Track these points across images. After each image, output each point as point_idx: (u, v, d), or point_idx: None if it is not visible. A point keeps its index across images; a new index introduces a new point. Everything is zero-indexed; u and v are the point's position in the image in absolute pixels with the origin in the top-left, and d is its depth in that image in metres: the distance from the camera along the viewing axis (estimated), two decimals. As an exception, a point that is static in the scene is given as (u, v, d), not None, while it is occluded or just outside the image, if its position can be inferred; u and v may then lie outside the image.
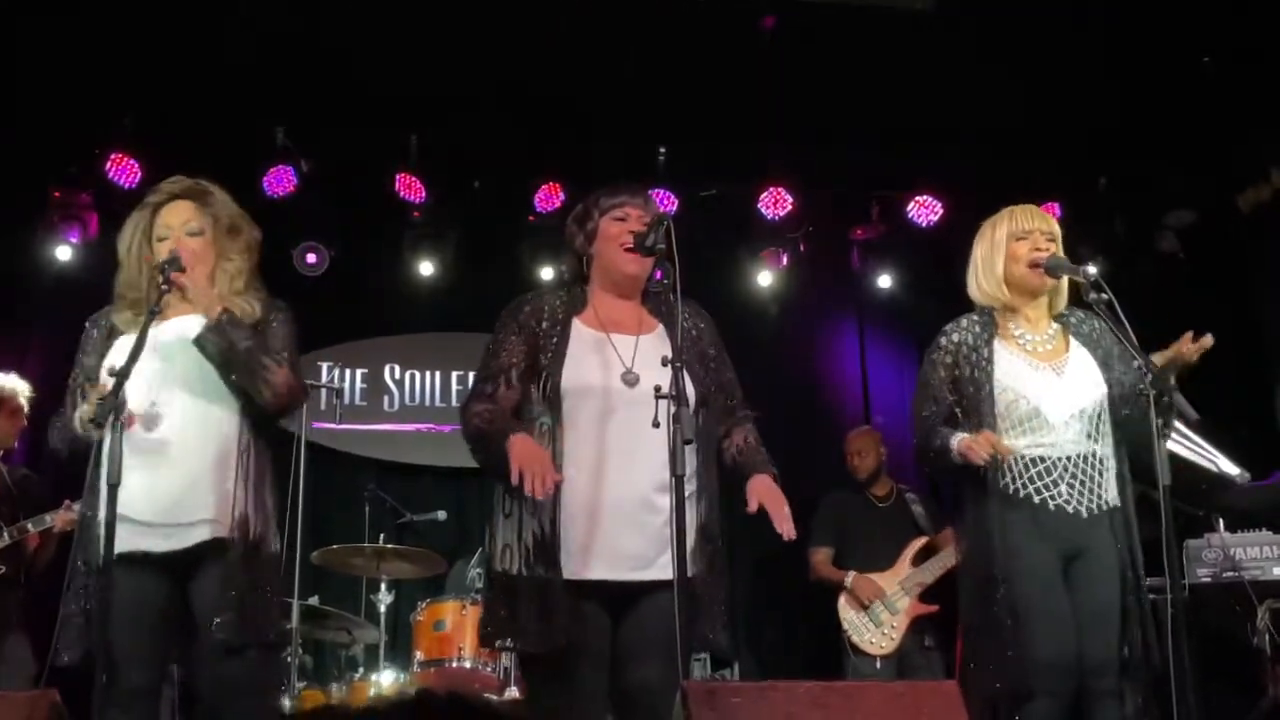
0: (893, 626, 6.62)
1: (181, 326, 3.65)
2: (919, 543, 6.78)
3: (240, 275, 3.75)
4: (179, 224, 3.71)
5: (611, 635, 3.50)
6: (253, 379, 3.59)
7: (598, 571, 3.45)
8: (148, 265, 3.69)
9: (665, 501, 3.36)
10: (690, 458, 3.42)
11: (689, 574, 3.35)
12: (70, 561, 3.57)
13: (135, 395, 3.49)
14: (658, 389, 3.34)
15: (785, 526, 3.45)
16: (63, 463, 3.68)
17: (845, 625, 6.69)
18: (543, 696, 3.56)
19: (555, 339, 3.60)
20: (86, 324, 3.79)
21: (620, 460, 3.45)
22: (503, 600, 3.51)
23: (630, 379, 3.50)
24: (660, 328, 3.70)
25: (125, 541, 3.44)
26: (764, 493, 3.53)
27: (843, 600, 6.72)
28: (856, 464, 7.11)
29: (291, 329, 3.80)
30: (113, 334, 3.71)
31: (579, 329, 3.64)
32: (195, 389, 3.61)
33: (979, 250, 4.19)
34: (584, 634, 3.43)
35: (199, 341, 3.57)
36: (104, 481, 3.31)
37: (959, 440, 3.94)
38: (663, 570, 3.33)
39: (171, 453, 3.56)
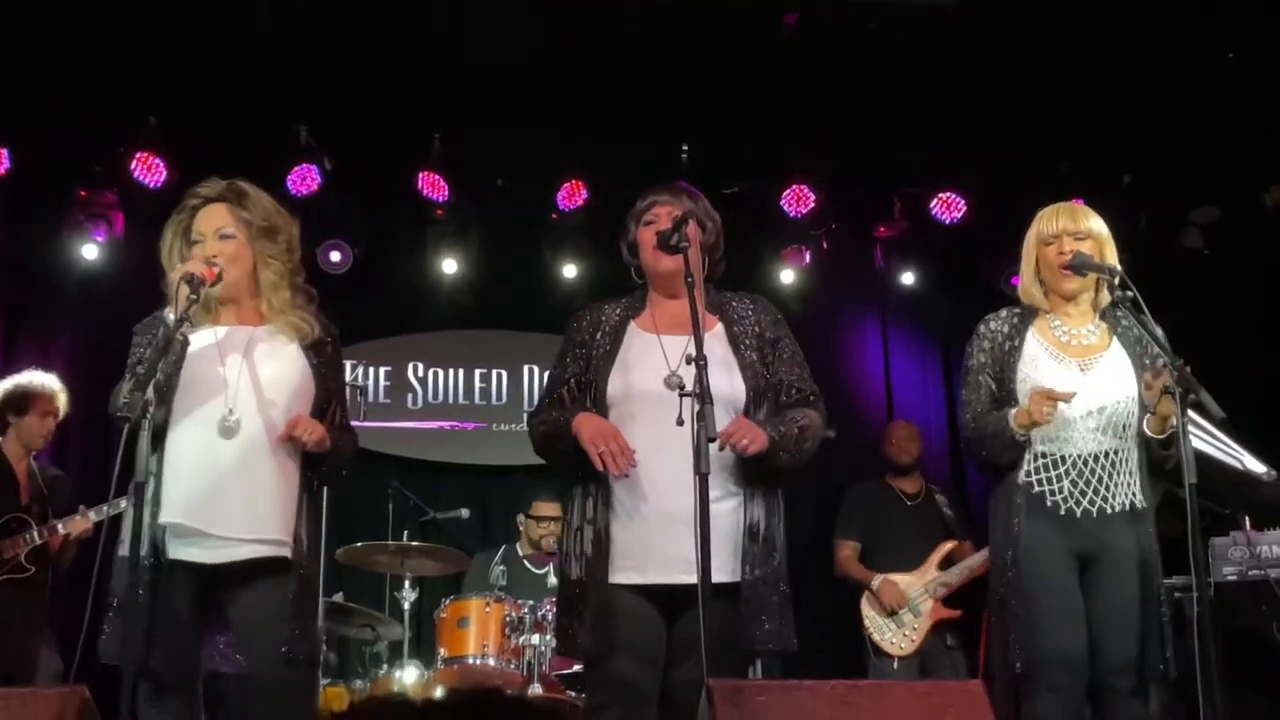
0: (914, 628, 6.60)
1: (268, 343, 3.67)
2: (947, 546, 6.74)
3: (283, 281, 3.73)
4: (211, 230, 3.69)
5: (665, 637, 3.53)
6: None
7: (650, 575, 3.49)
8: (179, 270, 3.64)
9: (717, 504, 3.36)
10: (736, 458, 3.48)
11: (739, 577, 3.48)
12: (110, 561, 3.58)
13: (213, 402, 3.53)
14: (680, 388, 3.37)
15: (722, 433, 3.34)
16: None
17: (867, 623, 6.67)
18: (596, 696, 3.60)
19: (607, 346, 3.66)
20: (135, 333, 3.72)
21: (668, 463, 3.44)
22: (564, 606, 3.63)
23: (673, 382, 3.48)
24: (719, 325, 3.72)
25: (179, 549, 3.47)
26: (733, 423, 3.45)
27: (865, 599, 6.70)
28: (894, 453, 7.06)
29: (342, 361, 3.89)
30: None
31: (634, 333, 3.70)
32: (274, 407, 3.60)
33: (1023, 253, 4.21)
34: (635, 636, 3.48)
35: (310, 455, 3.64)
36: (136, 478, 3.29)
37: (1015, 415, 3.92)
38: (716, 573, 3.27)
39: (242, 465, 3.55)
